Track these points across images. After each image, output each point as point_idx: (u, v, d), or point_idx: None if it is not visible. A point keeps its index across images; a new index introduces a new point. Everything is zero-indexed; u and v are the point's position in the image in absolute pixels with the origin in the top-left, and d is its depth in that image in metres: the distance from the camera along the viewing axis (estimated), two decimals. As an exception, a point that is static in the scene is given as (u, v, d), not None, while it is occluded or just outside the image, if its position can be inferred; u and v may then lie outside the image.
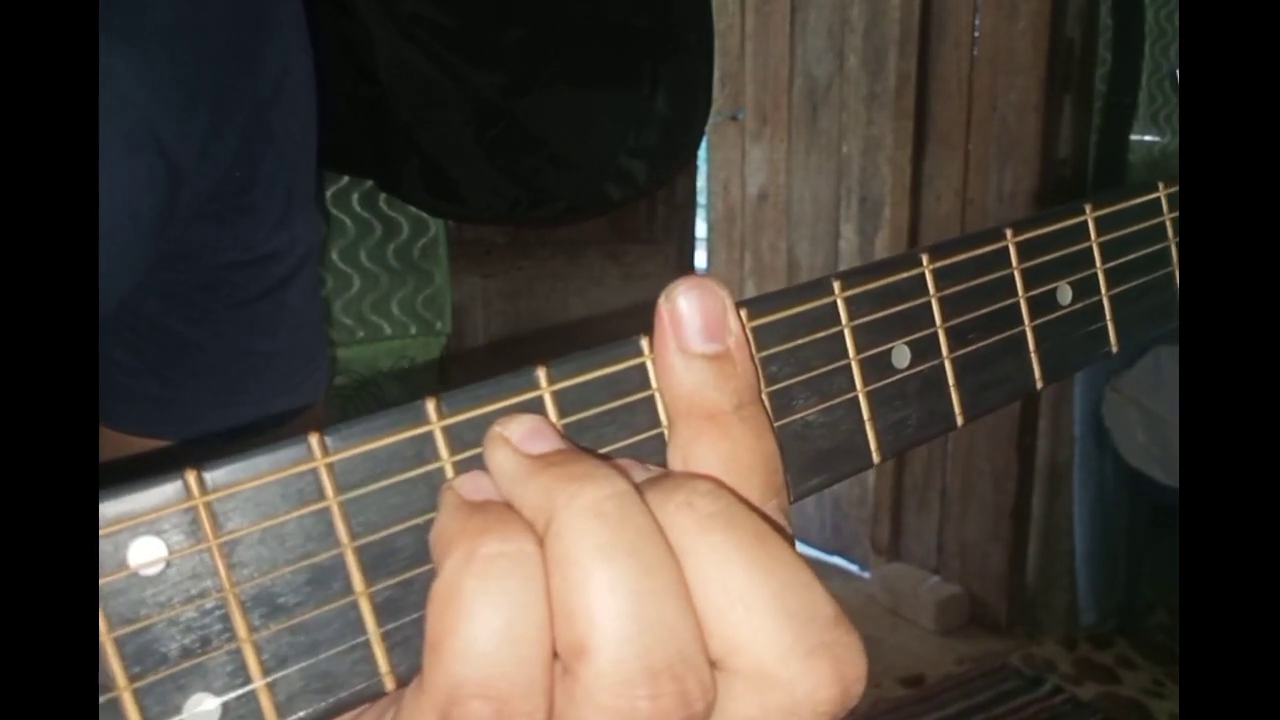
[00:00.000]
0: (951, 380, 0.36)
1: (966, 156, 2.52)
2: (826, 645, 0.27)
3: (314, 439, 0.26)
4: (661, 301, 0.30)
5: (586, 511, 0.26)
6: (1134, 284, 0.40)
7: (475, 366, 2.16)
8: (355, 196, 1.97)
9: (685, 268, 2.38)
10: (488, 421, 0.28)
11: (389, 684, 0.27)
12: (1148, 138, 2.64)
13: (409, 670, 0.27)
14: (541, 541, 0.27)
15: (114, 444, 0.63)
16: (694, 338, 0.30)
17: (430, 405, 0.27)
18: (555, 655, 0.27)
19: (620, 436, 0.30)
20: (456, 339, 2.14)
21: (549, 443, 0.28)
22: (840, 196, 2.61)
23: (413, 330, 2.05)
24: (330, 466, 0.26)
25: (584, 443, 0.30)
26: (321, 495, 0.26)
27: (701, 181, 2.52)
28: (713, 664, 0.27)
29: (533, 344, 2.18)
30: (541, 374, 0.29)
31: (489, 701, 0.26)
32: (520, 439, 0.28)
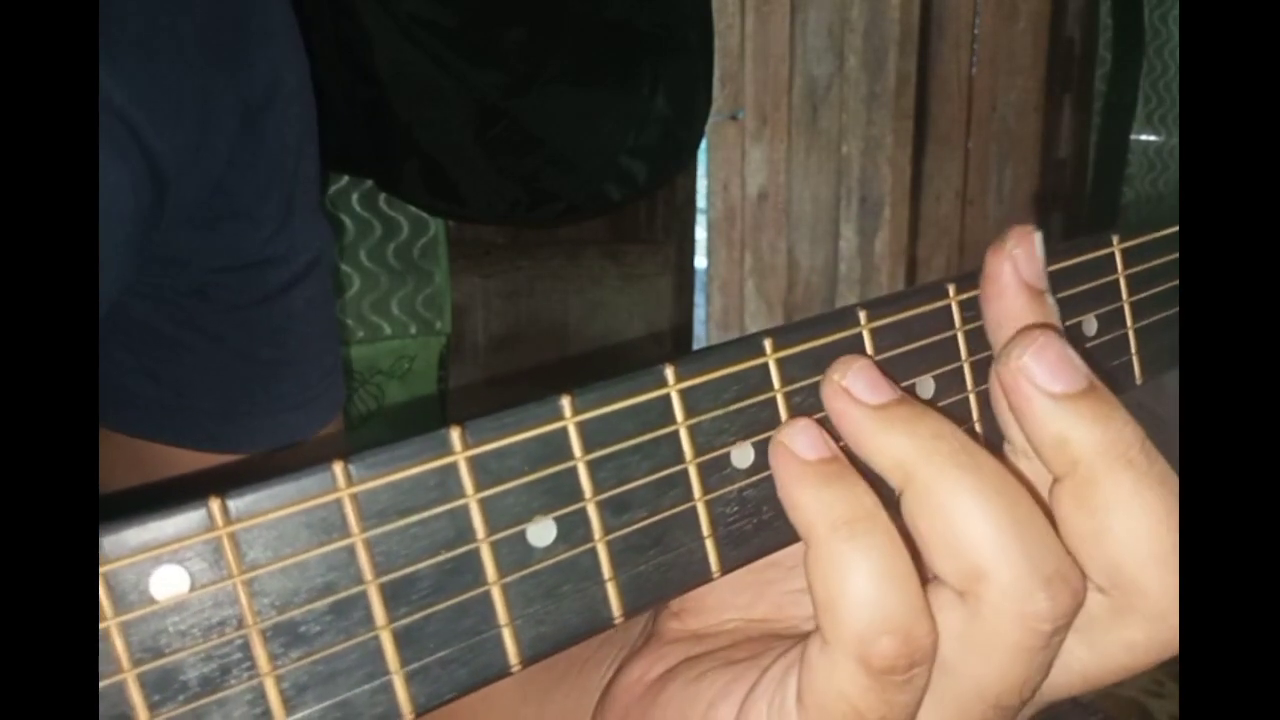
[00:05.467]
0: (975, 412, 0.36)
1: (966, 156, 2.52)
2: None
3: (338, 468, 0.26)
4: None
5: (950, 461, 0.30)
6: (1160, 317, 0.40)
7: (475, 366, 2.15)
8: (355, 196, 1.96)
9: (685, 267, 2.38)
10: (512, 452, 0.28)
11: (408, 716, 0.27)
12: (1146, 137, 2.64)
13: (426, 702, 0.27)
14: (903, 489, 0.31)
15: (121, 451, 0.63)
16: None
17: (455, 434, 0.27)
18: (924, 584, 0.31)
19: (645, 469, 0.30)
20: (456, 339, 2.14)
21: (884, 393, 0.32)
22: (840, 196, 2.61)
23: (412, 330, 2.05)
24: (354, 497, 0.26)
25: (607, 473, 0.29)
26: (345, 526, 0.26)
27: (701, 181, 2.51)
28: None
29: (532, 343, 2.17)
30: (566, 404, 0.29)
31: (895, 634, 0.29)
32: (860, 390, 0.31)
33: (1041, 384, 0.31)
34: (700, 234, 2.50)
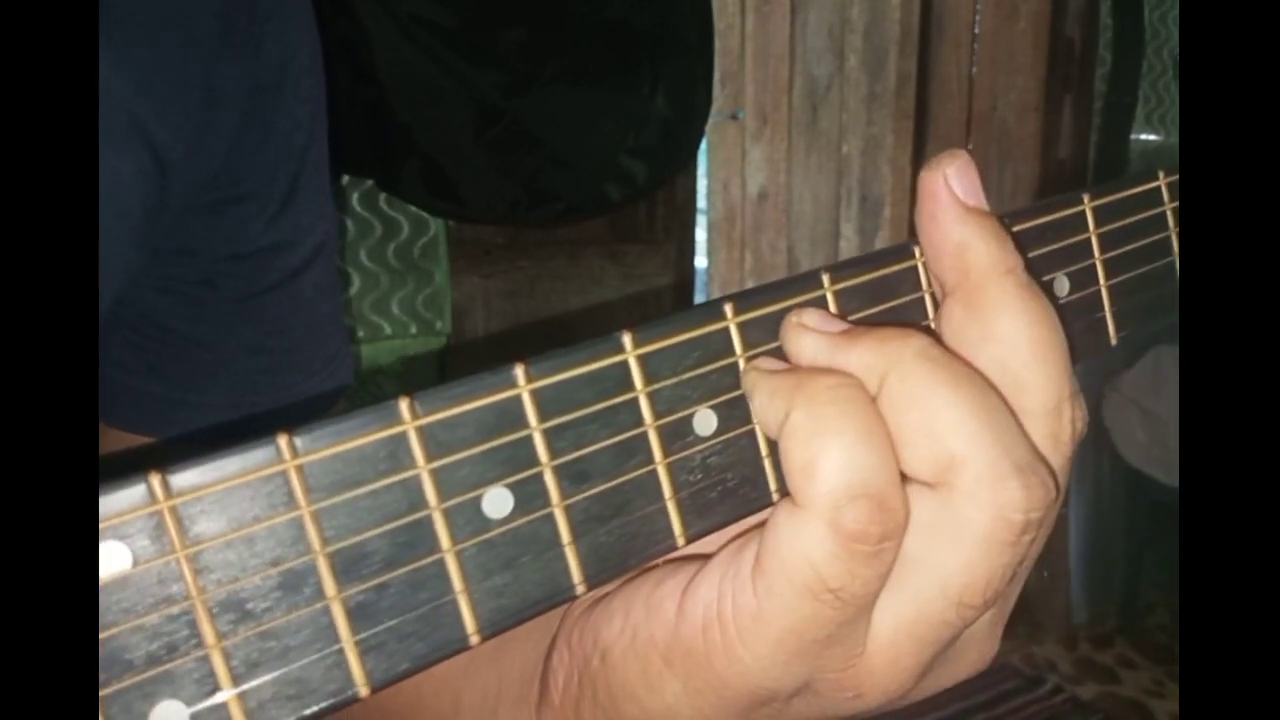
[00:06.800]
0: None
1: (967, 156, 2.51)
2: (1079, 392, 0.34)
3: (283, 440, 0.25)
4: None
5: (920, 356, 0.31)
6: (1133, 274, 0.39)
7: (475, 366, 2.15)
8: (355, 196, 1.97)
9: (685, 268, 2.37)
10: (461, 422, 0.27)
11: (363, 691, 0.27)
12: (1146, 137, 2.64)
13: (383, 676, 0.27)
14: (877, 393, 0.31)
15: (118, 442, 0.62)
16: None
17: (404, 405, 0.26)
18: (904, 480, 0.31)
19: (603, 435, 0.29)
20: (456, 339, 2.14)
21: (840, 324, 0.33)
22: (840, 196, 2.60)
23: (413, 330, 2.05)
24: (300, 469, 0.25)
25: (565, 442, 0.29)
26: (291, 499, 0.25)
27: (701, 181, 2.51)
28: None
29: (532, 343, 2.17)
30: (520, 372, 0.28)
31: (871, 499, 0.30)
32: (819, 324, 0.32)
33: (958, 193, 0.34)
34: (700, 234, 2.49)
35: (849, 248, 2.61)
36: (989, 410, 0.31)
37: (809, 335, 0.32)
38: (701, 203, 2.52)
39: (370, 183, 1.97)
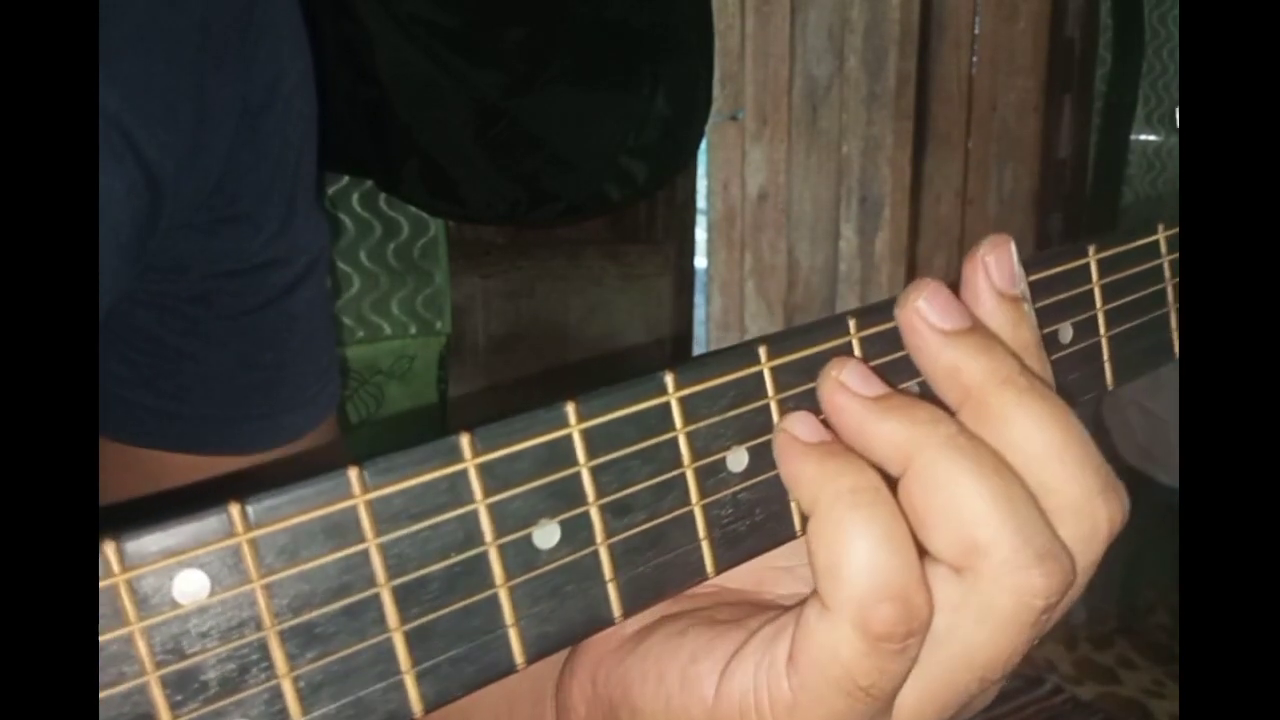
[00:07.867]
0: None
1: (966, 156, 2.52)
2: (1113, 485, 0.34)
3: (353, 474, 0.27)
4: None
5: (947, 444, 0.32)
6: (1131, 325, 0.41)
7: (475, 366, 2.16)
8: (355, 196, 1.97)
9: (685, 268, 2.38)
10: (519, 457, 0.29)
11: (418, 713, 0.28)
12: (1146, 137, 2.65)
13: (435, 699, 0.28)
14: (903, 471, 0.32)
15: (118, 456, 0.62)
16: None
17: (465, 441, 0.28)
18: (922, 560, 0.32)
19: (645, 474, 0.31)
20: (456, 339, 2.14)
21: (877, 386, 0.34)
22: (840, 196, 2.61)
23: (412, 330, 2.05)
24: (369, 502, 0.27)
25: (609, 478, 0.31)
26: (359, 531, 0.27)
27: (701, 181, 2.51)
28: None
29: (532, 344, 2.18)
30: (571, 411, 0.30)
31: (895, 600, 0.31)
32: (857, 385, 0.33)
33: (934, 322, 0.34)
34: (700, 234, 2.49)
35: (848, 248, 2.61)
36: (1011, 500, 0.32)
37: (844, 395, 0.33)
38: (701, 203, 2.52)
39: (370, 183, 1.97)
